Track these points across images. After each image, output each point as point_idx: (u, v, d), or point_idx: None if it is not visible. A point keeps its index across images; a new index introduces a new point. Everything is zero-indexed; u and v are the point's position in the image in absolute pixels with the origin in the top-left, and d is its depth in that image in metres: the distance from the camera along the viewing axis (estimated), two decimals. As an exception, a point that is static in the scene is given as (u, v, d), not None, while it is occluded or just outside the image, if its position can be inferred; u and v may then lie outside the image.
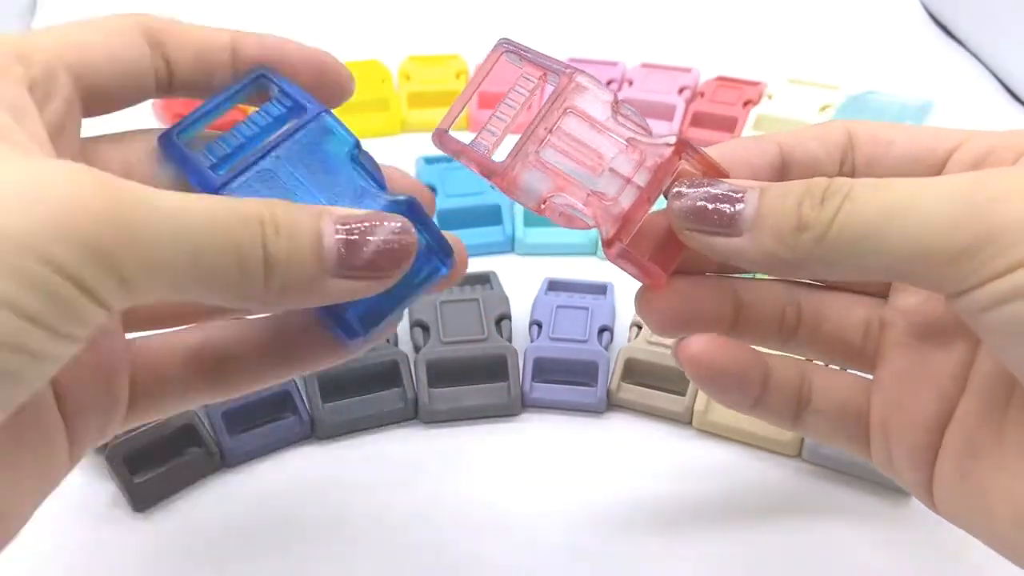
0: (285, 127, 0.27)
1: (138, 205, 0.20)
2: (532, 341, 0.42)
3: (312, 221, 0.23)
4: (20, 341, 0.18)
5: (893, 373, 0.28)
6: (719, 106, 0.59)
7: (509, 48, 0.29)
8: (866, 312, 0.29)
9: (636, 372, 0.41)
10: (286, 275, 0.22)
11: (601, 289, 0.45)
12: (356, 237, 0.23)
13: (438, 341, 0.41)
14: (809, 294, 0.29)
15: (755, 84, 0.61)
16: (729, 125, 0.58)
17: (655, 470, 0.38)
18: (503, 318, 0.43)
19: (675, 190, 0.26)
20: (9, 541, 0.22)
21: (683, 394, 0.40)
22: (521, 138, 0.27)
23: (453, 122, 0.28)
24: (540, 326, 0.43)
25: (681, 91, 0.60)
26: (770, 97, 0.60)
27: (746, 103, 0.59)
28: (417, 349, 0.41)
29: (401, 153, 0.56)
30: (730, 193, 0.25)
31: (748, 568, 0.34)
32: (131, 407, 0.26)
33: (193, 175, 0.26)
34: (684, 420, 0.40)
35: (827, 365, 0.30)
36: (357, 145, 0.27)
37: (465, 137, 0.28)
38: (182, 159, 0.26)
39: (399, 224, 0.24)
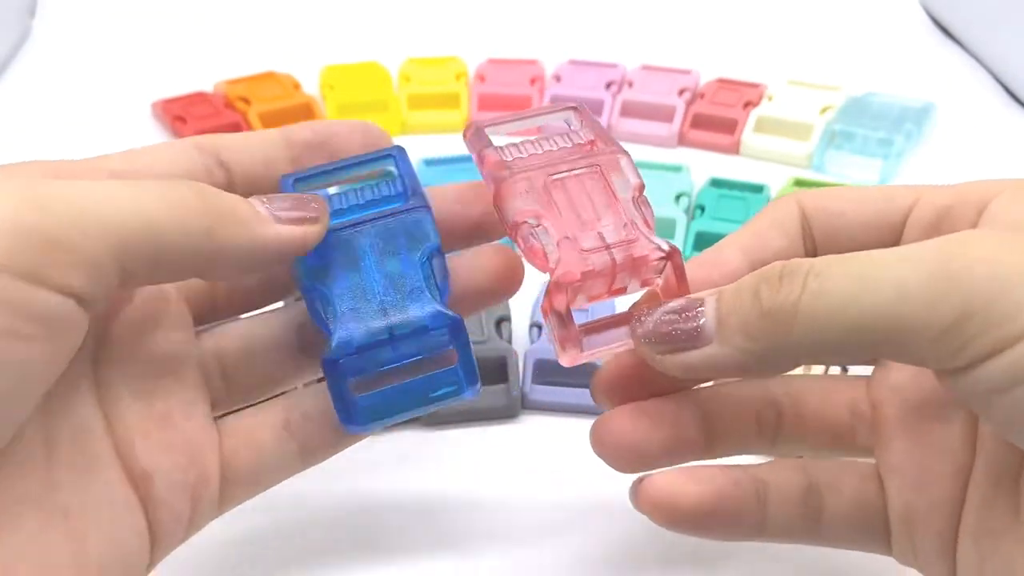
0: (385, 209, 0.29)
1: (55, 183, 0.21)
2: (532, 343, 0.42)
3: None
4: None
5: (902, 454, 0.26)
6: (719, 108, 0.59)
7: (577, 108, 0.30)
8: (850, 393, 0.28)
9: (637, 374, 0.41)
10: (225, 204, 0.24)
11: (601, 291, 0.45)
12: (276, 199, 0.26)
13: (438, 343, 0.41)
14: (784, 386, 0.28)
15: (755, 86, 0.61)
16: (729, 127, 0.58)
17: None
18: (503, 320, 0.43)
19: (635, 319, 0.25)
20: None
21: (684, 396, 0.40)
22: (538, 162, 0.28)
23: (490, 124, 0.30)
24: (540, 328, 0.43)
25: (681, 93, 0.60)
26: (770, 99, 0.60)
27: (746, 105, 0.59)
28: (417, 351, 0.41)
29: (401, 155, 0.56)
30: (688, 306, 0.24)
31: (748, 568, 0.34)
32: (224, 494, 0.27)
33: None
34: (685, 422, 0.40)
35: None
36: (437, 250, 0.28)
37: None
38: None
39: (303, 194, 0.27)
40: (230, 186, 0.27)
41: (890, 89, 0.61)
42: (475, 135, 0.30)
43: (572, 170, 0.28)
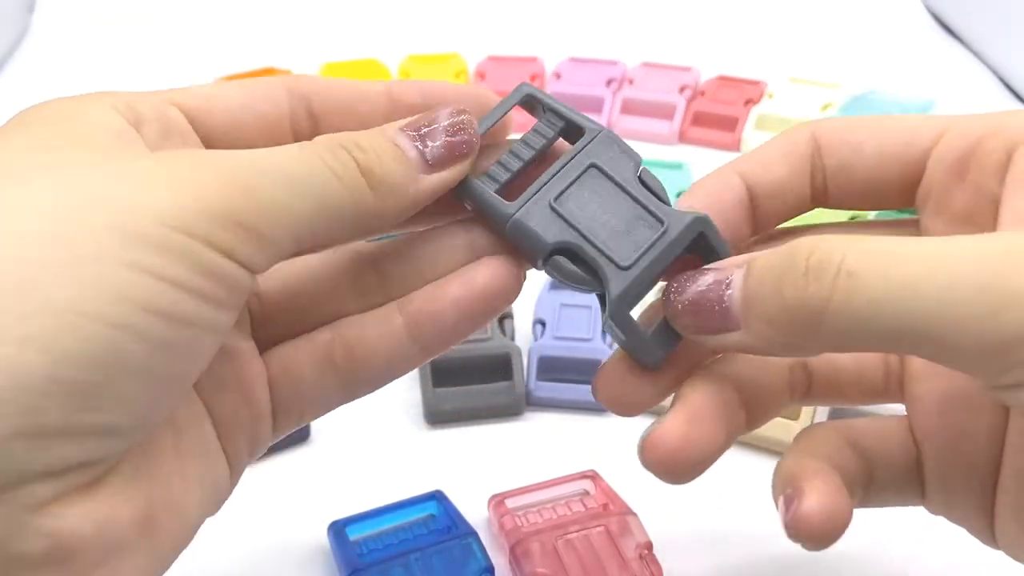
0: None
1: (247, 170, 0.21)
2: (536, 340, 0.42)
3: (382, 136, 0.24)
4: (185, 312, 0.20)
5: (935, 415, 0.25)
6: (720, 105, 0.59)
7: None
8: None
9: (640, 371, 0.41)
10: (386, 179, 0.23)
11: (604, 288, 0.45)
12: (425, 132, 0.24)
13: (441, 340, 0.41)
14: None
15: (756, 83, 0.61)
16: (730, 124, 0.58)
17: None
18: (506, 317, 0.43)
19: (669, 289, 0.24)
20: (175, 555, 0.22)
21: (687, 393, 0.40)
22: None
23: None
24: (544, 325, 0.42)
25: (682, 90, 0.60)
26: (771, 96, 0.60)
27: (747, 102, 0.59)
28: (420, 348, 0.41)
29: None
30: (716, 284, 0.23)
31: (750, 568, 0.34)
32: (275, 420, 0.25)
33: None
34: (688, 419, 0.40)
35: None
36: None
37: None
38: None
39: (454, 109, 0.25)
40: (311, 138, 0.25)
41: (891, 87, 0.61)
42: (497, 505, 0.34)
43: (582, 531, 0.32)
